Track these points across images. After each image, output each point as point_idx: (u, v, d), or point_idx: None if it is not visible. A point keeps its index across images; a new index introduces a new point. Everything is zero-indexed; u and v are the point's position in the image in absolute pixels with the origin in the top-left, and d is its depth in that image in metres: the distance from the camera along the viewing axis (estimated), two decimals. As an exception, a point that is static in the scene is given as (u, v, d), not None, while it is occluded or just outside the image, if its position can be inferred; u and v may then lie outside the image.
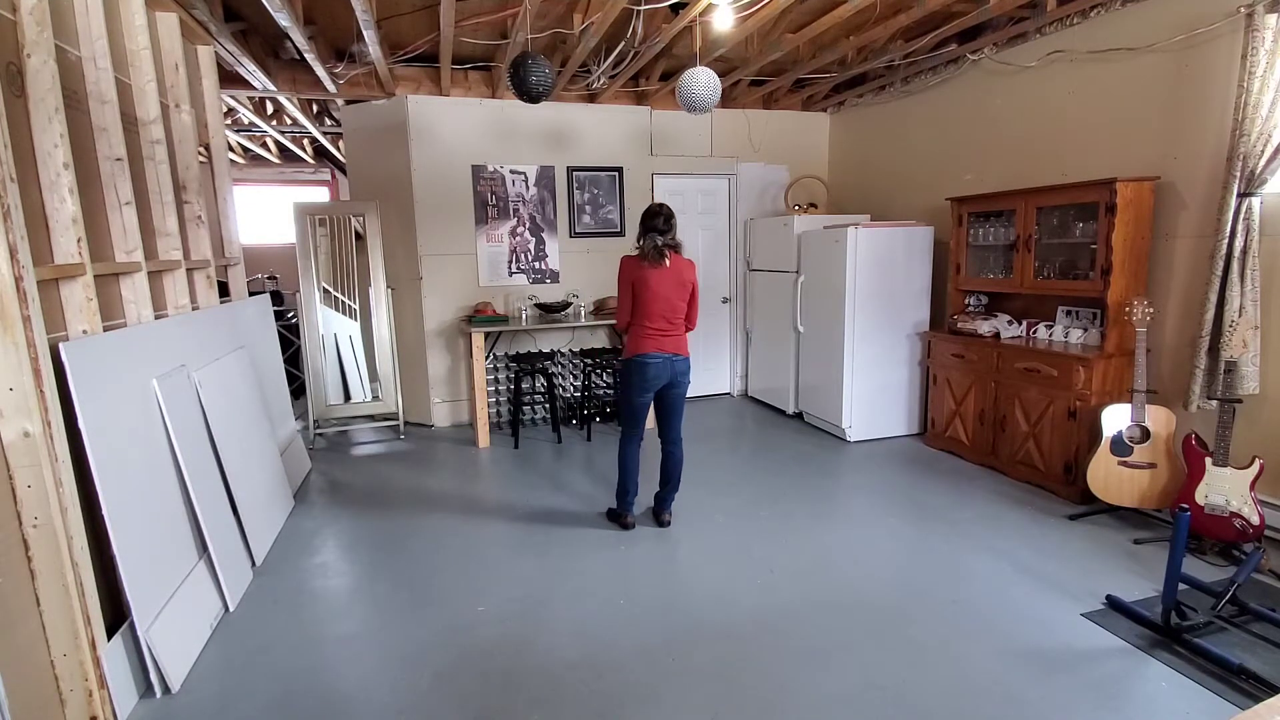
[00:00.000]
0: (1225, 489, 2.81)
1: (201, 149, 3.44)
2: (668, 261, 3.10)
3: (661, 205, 3.17)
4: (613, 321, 5.04)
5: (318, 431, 4.96)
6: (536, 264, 5.40)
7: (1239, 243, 2.97)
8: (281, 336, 5.04)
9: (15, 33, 1.99)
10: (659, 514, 3.40)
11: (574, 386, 5.43)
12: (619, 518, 3.38)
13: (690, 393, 5.96)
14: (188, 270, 3.09)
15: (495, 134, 5.14)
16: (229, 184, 3.82)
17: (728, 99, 5.43)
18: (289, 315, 6.21)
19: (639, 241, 3.16)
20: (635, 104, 5.42)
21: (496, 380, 5.33)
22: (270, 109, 6.02)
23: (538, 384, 5.46)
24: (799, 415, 5.32)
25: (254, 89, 4.53)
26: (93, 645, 1.93)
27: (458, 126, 5.04)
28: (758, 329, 5.83)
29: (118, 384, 2.24)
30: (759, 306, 5.77)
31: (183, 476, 2.52)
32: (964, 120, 4.61)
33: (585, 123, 5.36)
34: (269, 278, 7.48)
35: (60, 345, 1.98)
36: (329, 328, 4.94)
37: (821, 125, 6.07)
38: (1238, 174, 2.95)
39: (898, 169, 5.29)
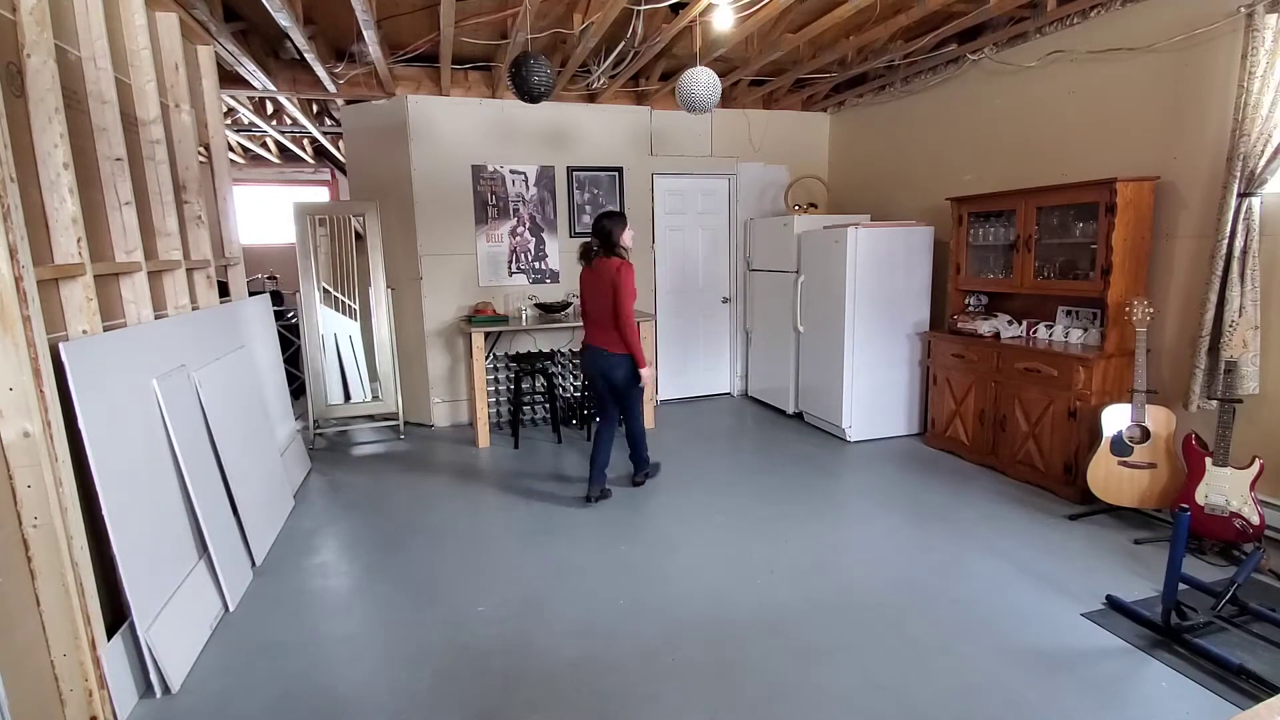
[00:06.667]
0: (1225, 489, 2.81)
1: (201, 149, 3.44)
2: (592, 264, 3.46)
3: (603, 212, 3.55)
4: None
5: (318, 431, 4.96)
6: (536, 264, 5.40)
7: (1239, 243, 2.97)
8: (281, 336, 5.04)
9: (15, 33, 1.99)
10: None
11: (574, 386, 5.42)
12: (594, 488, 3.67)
13: (691, 393, 6.10)
14: (188, 270, 3.09)
15: (495, 134, 5.14)
16: (229, 184, 3.82)
17: (728, 99, 5.43)
18: (289, 315, 6.21)
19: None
20: (635, 104, 5.41)
21: (496, 380, 5.33)
22: (270, 109, 6.02)
23: (538, 384, 5.47)
24: (799, 415, 5.32)
25: (254, 89, 4.53)
26: (93, 645, 1.93)
27: (458, 126, 5.04)
28: (758, 329, 5.83)
29: (118, 384, 2.24)
30: (759, 306, 5.77)
31: (183, 476, 2.52)
32: (964, 120, 4.61)
33: (585, 123, 5.36)
34: (269, 278, 7.48)
35: (60, 345, 1.98)
36: (329, 328, 4.93)
37: (821, 125, 6.07)
38: (1238, 174, 2.95)
39: (898, 169, 5.29)
